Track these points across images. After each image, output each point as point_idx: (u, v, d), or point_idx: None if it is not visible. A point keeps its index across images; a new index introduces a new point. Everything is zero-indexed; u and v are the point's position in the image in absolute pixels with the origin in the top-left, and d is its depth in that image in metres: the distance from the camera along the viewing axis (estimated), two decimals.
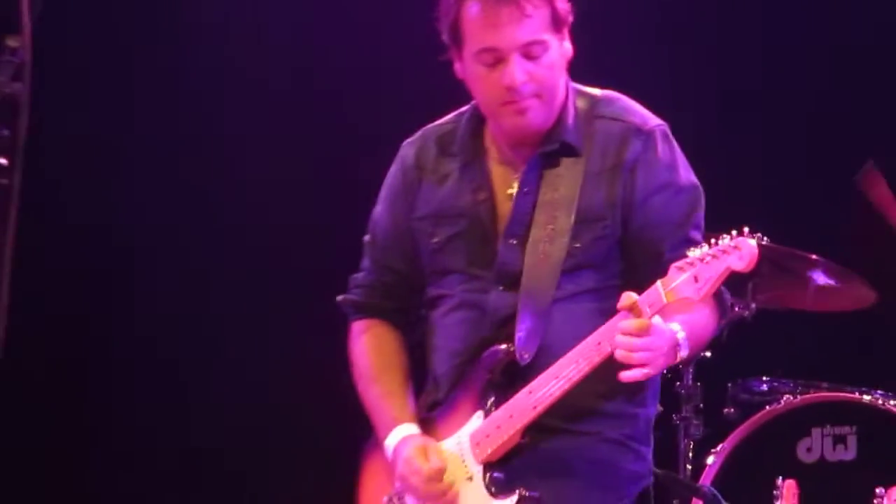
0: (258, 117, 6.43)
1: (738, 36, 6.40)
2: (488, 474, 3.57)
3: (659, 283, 3.40)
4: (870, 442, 5.13)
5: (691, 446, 5.45)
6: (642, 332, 3.37)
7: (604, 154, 3.61)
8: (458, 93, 3.75)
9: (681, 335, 3.45)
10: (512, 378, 3.56)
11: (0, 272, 2.71)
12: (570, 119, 3.64)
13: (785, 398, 5.26)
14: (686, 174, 3.67)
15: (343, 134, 6.29)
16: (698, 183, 3.68)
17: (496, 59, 3.53)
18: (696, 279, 3.36)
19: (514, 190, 3.65)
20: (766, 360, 5.71)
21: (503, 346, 3.58)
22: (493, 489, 3.56)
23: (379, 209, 3.85)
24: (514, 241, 3.61)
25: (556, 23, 3.56)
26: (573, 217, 3.57)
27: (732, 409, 5.46)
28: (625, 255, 3.62)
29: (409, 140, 3.84)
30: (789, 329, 5.92)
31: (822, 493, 5.05)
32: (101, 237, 6.38)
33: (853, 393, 5.21)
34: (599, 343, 3.45)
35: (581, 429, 3.60)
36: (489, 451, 3.56)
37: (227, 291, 6.44)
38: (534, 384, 3.51)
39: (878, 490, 4.82)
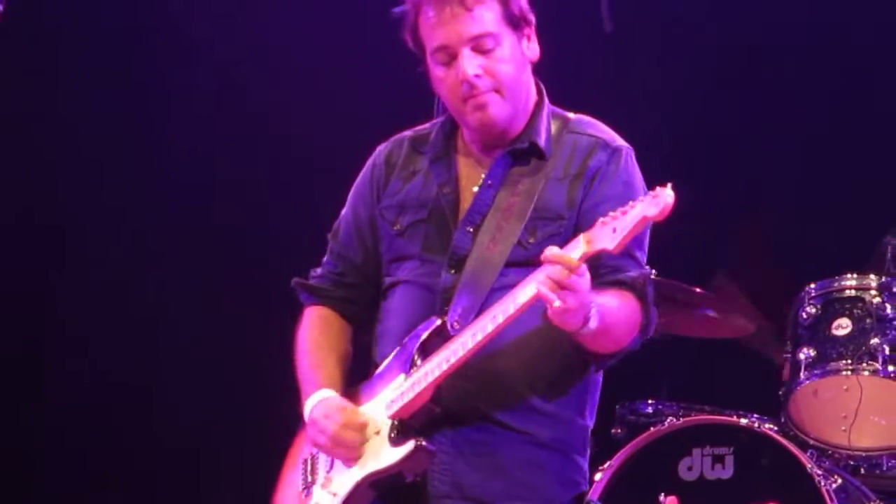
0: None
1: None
2: (393, 425, 3.56)
3: (581, 235, 3.36)
4: (746, 462, 5.31)
5: None
6: (573, 267, 3.30)
7: (569, 162, 3.65)
8: None
9: (594, 307, 3.38)
10: (440, 346, 3.54)
11: None
12: (543, 126, 3.68)
13: (669, 420, 5.43)
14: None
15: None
16: None
17: (449, 56, 3.60)
18: (614, 230, 3.31)
19: (479, 186, 3.69)
20: (653, 385, 5.97)
21: (437, 318, 3.59)
22: (392, 436, 3.55)
23: (344, 209, 3.90)
24: (470, 229, 3.64)
25: (510, 19, 3.60)
26: (529, 212, 3.59)
27: (620, 429, 5.68)
28: None
29: (383, 144, 3.89)
30: (675, 356, 6.10)
31: None
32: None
33: (731, 416, 5.43)
34: (516, 295, 3.42)
35: (512, 423, 3.58)
36: (399, 406, 3.56)
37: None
38: (451, 343, 3.51)
39: None
